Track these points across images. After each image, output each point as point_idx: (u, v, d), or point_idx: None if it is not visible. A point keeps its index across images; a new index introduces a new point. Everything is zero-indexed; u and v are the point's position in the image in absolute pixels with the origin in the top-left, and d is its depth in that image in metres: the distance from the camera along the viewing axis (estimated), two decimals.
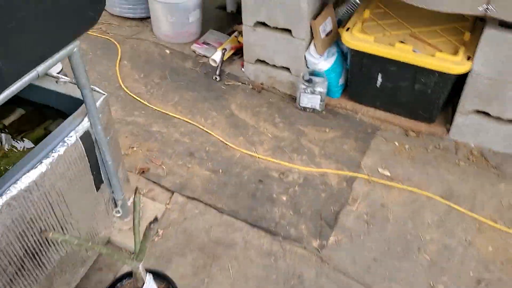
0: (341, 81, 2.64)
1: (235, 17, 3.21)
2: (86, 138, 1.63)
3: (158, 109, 2.60)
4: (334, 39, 2.60)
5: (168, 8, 2.86)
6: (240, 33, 2.90)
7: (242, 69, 2.84)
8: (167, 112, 2.59)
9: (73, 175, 1.60)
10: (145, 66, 2.88)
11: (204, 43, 3.00)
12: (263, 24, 2.55)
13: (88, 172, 1.70)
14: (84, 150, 1.62)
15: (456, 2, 1.97)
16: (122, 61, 2.91)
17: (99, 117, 1.64)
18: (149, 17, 3.12)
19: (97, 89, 1.71)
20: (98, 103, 1.65)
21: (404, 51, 2.25)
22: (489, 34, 2.06)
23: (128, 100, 2.66)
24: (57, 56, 1.34)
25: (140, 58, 2.94)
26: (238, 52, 2.92)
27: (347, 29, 2.39)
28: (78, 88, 1.55)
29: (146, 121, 2.54)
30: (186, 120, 2.54)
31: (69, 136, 1.56)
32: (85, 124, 1.62)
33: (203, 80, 2.81)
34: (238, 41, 2.93)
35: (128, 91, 2.70)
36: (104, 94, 1.70)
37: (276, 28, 2.53)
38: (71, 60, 1.45)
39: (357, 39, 2.33)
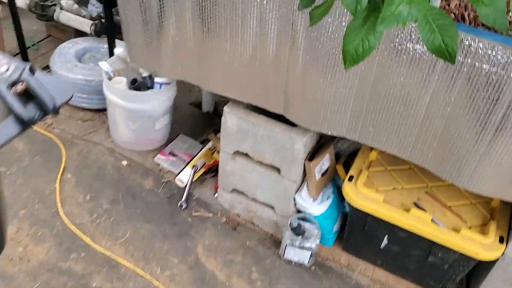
0: (335, 227, 2.15)
1: (212, 119, 2.70)
2: None
3: (103, 251, 2.03)
4: (331, 178, 2.13)
5: (130, 114, 2.30)
6: (216, 147, 2.41)
7: (215, 194, 2.32)
8: (114, 256, 2.02)
9: None
10: (93, 183, 2.30)
11: (171, 153, 2.46)
12: (245, 154, 2.06)
13: None
14: None
15: (497, 188, 1.53)
16: (66, 173, 2.33)
17: None
18: (106, 109, 2.55)
19: None
20: None
21: (421, 221, 1.79)
22: None
23: (66, 234, 2.08)
24: None
25: (88, 171, 2.36)
26: (213, 169, 2.41)
27: (350, 178, 1.92)
28: None
29: (86, 269, 1.96)
30: (138, 270, 1.98)
31: None
32: None
33: (165, 207, 2.26)
34: (213, 157, 2.42)
35: (67, 221, 2.12)
36: None
37: (261, 163, 2.04)
38: None
39: (363, 196, 1.85)
